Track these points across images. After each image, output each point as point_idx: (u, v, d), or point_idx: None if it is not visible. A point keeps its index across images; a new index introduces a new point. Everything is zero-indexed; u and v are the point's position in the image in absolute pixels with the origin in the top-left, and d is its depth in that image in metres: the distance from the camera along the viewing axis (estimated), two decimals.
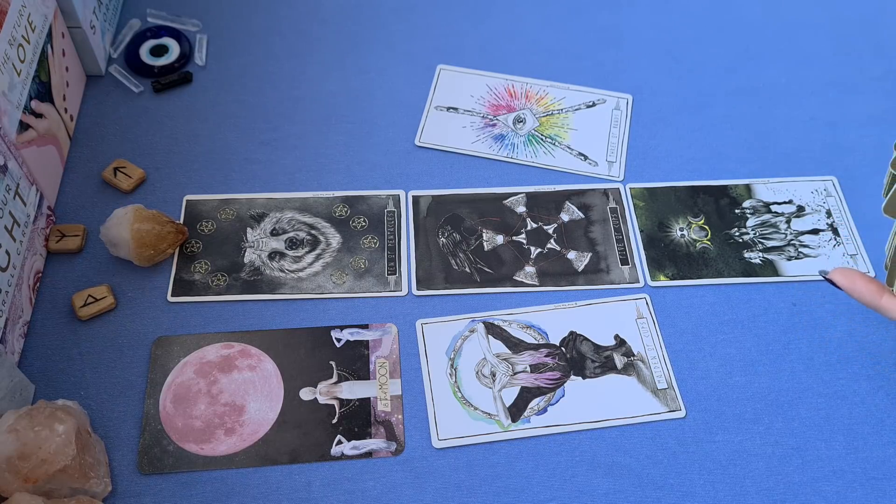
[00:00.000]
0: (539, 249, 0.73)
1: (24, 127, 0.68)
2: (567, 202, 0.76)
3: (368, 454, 0.62)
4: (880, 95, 0.84)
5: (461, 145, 0.80)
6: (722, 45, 0.88)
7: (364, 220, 0.74)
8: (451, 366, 0.66)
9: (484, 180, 0.78)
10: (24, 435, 0.56)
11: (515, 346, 0.68)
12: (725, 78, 0.85)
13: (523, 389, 0.65)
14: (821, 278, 0.72)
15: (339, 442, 0.62)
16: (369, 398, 0.65)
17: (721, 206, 0.76)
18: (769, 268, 0.72)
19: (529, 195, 0.77)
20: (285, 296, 0.70)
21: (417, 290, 0.70)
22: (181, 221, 0.74)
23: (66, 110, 0.77)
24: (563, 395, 0.65)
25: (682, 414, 0.64)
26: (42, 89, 0.72)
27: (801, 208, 0.76)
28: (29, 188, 0.68)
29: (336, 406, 0.64)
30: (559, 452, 0.63)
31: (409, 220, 0.74)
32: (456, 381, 0.66)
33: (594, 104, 0.83)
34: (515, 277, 0.71)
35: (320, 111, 0.82)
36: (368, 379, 0.65)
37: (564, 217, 0.75)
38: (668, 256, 0.73)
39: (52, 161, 0.74)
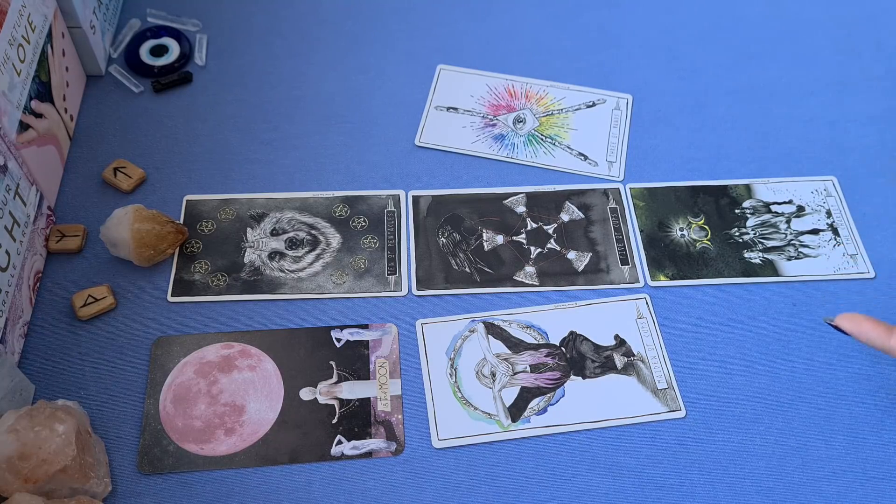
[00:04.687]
0: (539, 249, 0.73)
1: (24, 127, 0.68)
2: (567, 202, 0.76)
3: (368, 454, 0.62)
4: (880, 95, 0.84)
5: (461, 145, 0.80)
6: (722, 45, 0.88)
7: (364, 220, 0.74)
8: (451, 366, 0.66)
9: (484, 180, 0.78)
10: (24, 435, 0.56)
11: (515, 346, 0.68)
12: (725, 78, 0.86)
13: (523, 389, 0.65)
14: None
15: (339, 442, 0.63)
16: (369, 398, 0.65)
17: (721, 206, 0.76)
18: (769, 268, 0.72)
19: (529, 195, 0.77)
20: (285, 296, 0.70)
21: (417, 290, 0.70)
22: (181, 221, 0.74)
23: (66, 110, 0.77)
24: (563, 395, 0.65)
25: (682, 414, 0.64)
26: (42, 89, 0.72)
27: (801, 208, 0.76)
28: (29, 188, 0.68)
29: (336, 406, 0.64)
30: (559, 452, 0.63)
31: (409, 220, 0.74)
32: (456, 381, 0.66)
33: (594, 104, 0.83)
34: (515, 277, 0.71)
35: (320, 111, 0.82)
36: (368, 379, 0.66)
37: (564, 217, 0.75)
38: (668, 256, 0.73)
39: (52, 161, 0.74)
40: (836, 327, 0.59)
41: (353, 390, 0.65)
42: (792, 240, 0.74)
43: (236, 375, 0.65)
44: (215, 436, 0.63)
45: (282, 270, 0.71)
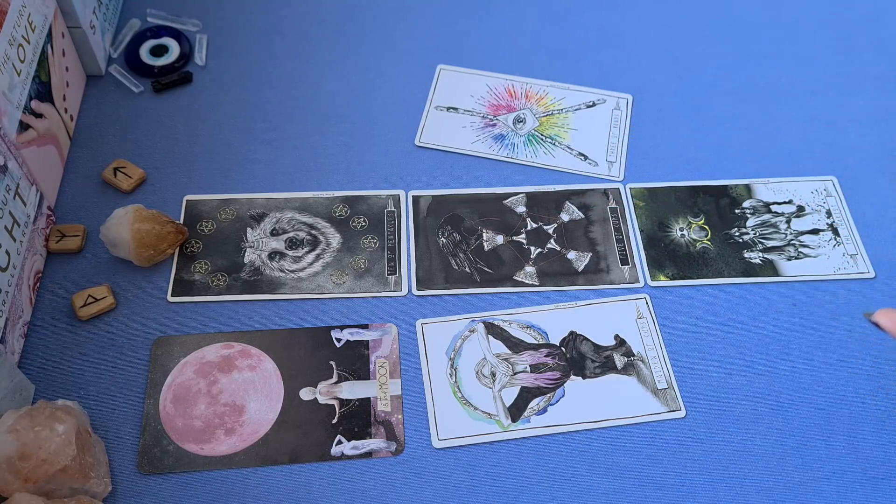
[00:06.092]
0: (539, 249, 0.73)
1: (24, 127, 0.68)
2: (567, 202, 0.76)
3: (368, 454, 0.62)
4: (880, 95, 0.84)
5: (461, 145, 0.80)
6: (722, 45, 0.88)
7: (364, 220, 0.74)
8: (451, 366, 0.66)
9: (484, 180, 0.78)
10: (25, 435, 0.56)
11: (515, 346, 0.68)
12: (725, 78, 0.86)
13: (523, 389, 0.65)
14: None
15: (339, 442, 0.63)
16: (369, 398, 0.65)
17: (721, 206, 0.76)
18: (769, 268, 0.72)
19: (529, 195, 0.77)
20: (285, 296, 0.70)
21: (417, 290, 0.70)
22: (181, 221, 0.74)
23: (66, 110, 0.77)
24: (563, 395, 0.65)
25: (682, 414, 0.64)
26: (42, 89, 0.72)
27: (801, 208, 0.76)
28: (29, 188, 0.68)
29: (336, 406, 0.64)
30: (559, 452, 0.63)
31: (409, 220, 0.74)
32: (456, 381, 0.66)
33: (594, 104, 0.83)
34: (515, 277, 0.71)
35: (320, 111, 0.82)
36: (368, 379, 0.66)
37: (564, 217, 0.75)
38: (668, 256, 0.73)
39: (52, 161, 0.74)
40: (875, 324, 0.58)
41: (353, 390, 0.65)
42: (792, 240, 0.74)
43: (236, 375, 0.65)
44: (215, 436, 0.63)
45: (282, 270, 0.71)
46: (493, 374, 0.66)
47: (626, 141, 0.80)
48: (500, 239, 0.74)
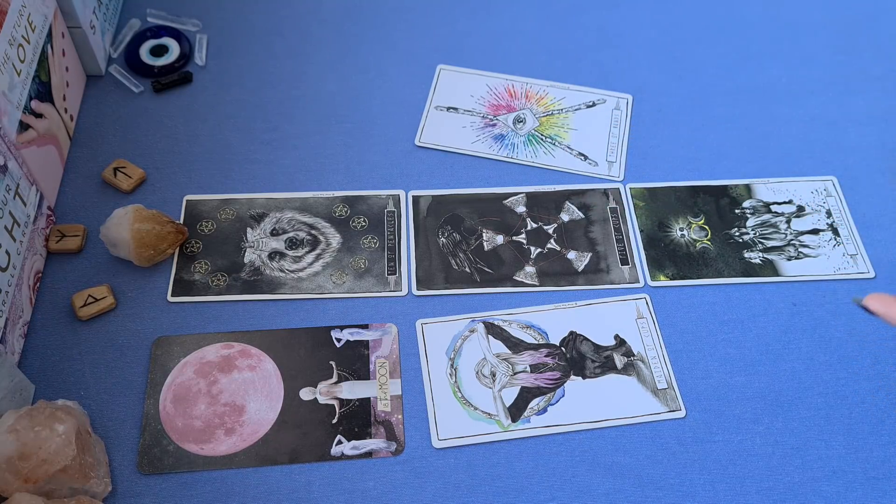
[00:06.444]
0: (539, 249, 0.73)
1: (24, 127, 0.68)
2: (567, 202, 0.76)
3: (368, 454, 0.62)
4: (880, 95, 0.84)
5: (461, 145, 0.80)
6: (722, 45, 0.88)
7: (364, 220, 0.74)
8: (451, 366, 0.66)
9: (484, 180, 0.78)
10: (25, 435, 0.56)
11: (515, 346, 0.68)
12: (725, 78, 0.86)
13: (523, 389, 0.65)
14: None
15: (339, 442, 0.63)
16: (369, 398, 0.65)
17: (721, 206, 0.76)
18: (769, 268, 0.72)
19: (529, 195, 0.77)
20: (285, 296, 0.70)
21: (417, 290, 0.70)
22: (181, 221, 0.74)
23: (66, 110, 0.77)
24: (563, 395, 0.65)
25: (682, 414, 0.64)
26: (42, 89, 0.72)
27: (801, 208, 0.76)
28: (29, 188, 0.68)
29: (336, 406, 0.64)
30: (559, 452, 0.63)
31: (409, 220, 0.74)
32: (456, 381, 0.66)
33: (594, 104, 0.83)
34: (515, 277, 0.71)
35: (320, 111, 0.82)
36: (368, 379, 0.66)
37: (564, 217, 0.75)
38: (668, 256, 0.73)
39: (52, 161, 0.74)
40: (864, 307, 0.58)
41: (353, 390, 0.65)
42: (792, 240, 0.74)
43: (236, 375, 0.65)
44: (215, 436, 0.63)
45: (282, 270, 0.71)
46: (493, 374, 0.66)
47: (626, 141, 0.80)
48: (500, 239, 0.74)
